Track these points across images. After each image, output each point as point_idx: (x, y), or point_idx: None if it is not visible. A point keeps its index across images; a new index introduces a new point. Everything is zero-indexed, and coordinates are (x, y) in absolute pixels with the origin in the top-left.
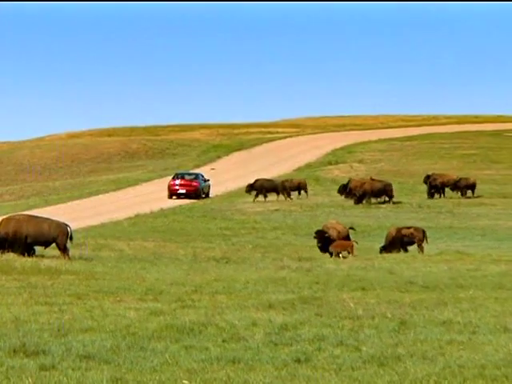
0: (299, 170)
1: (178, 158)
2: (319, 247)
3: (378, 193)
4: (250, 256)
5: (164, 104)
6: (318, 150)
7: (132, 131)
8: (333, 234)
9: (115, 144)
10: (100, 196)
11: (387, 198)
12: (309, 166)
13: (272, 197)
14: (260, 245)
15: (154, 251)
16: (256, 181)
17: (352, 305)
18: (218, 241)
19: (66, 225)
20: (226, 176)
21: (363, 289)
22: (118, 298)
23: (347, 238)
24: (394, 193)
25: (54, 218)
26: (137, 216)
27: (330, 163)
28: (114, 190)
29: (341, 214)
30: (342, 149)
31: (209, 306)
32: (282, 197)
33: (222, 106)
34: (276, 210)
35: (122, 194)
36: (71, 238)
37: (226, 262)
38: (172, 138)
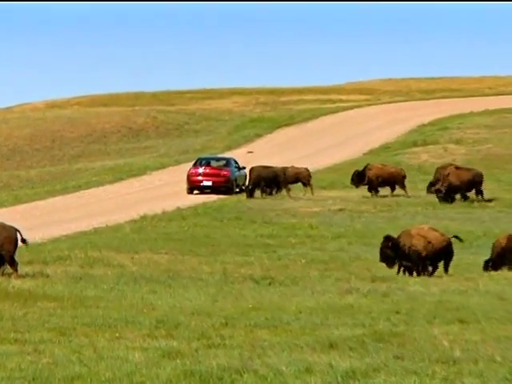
0: (372, 153)
1: (201, 137)
2: (381, 258)
3: (467, 186)
4: (303, 275)
5: (181, 61)
6: (398, 126)
7: (137, 99)
8: (417, 244)
9: (113, 117)
10: (92, 190)
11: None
12: (386, 147)
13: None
14: (317, 259)
15: (168, 268)
16: (251, 170)
17: (446, 343)
18: (258, 253)
19: (15, 229)
20: (268, 162)
21: (462, 321)
22: (118, 334)
23: (446, 250)
24: (503, 186)
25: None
26: (143, 218)
27: (415, 144)
28: (112, 182)
29: (431, 216)
30: (432, 124)
31: (245, 344)
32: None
33: (263, 63)
34: (340, 209)
35: (124, 188)
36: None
37: (270, 284)
38: (193, 108)
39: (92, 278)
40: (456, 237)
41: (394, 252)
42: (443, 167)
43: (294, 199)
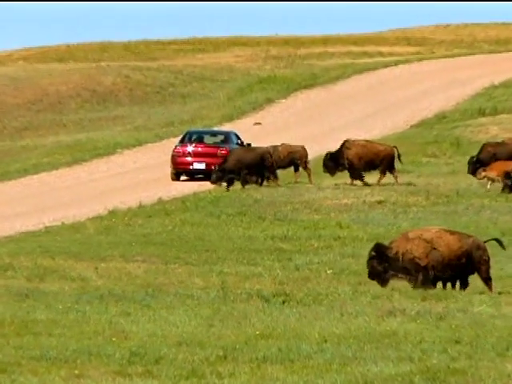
0: (423, 125)
1: (191, 104)
2: (369, 273)
3: None
4: (330, 291)
5: (164, 3)
6: (458, 89)
7: (104, 51)
8: (415, 250)
9: (71, 77)
10: (43, 175)
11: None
12: (441, 117)
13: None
14: (349, 269)
15: (147, 281)
16: (230, 154)
17: None
18: (269, 262)
19: None
20: (282, 137)
21: None
22: (77, 371)
23: (466, 260)
24: None
25: None
26: (113, 214)
27: (481, 113)
28: (70, 165)
29: (503, 210)
30: (505, 85)
31: None
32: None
33: (274, 4)
34: (379, 202)
35: (86, 172)
36: None
37: (284, 303)
38: (180, 64)
39: (43, 294)
40: (498, 241)
41: (384, 264)
42: (491, 144)
43: (318, 188)
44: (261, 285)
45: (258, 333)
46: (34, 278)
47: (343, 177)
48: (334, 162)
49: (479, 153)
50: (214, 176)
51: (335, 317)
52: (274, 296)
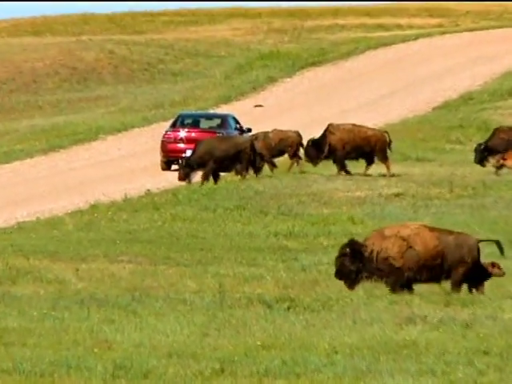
0: (447, 106)
1: (183, 83)
2: (337, 271)
3: None
4: (341, 295)
5: None
6: (486, 66)
7: (85, 24)
8: (390, 248)
9: (48, 52)
10: (15, 164)
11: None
12: (467, 98)
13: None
14: None
15: (133, 285)
16: (198, 145)
17: None
18: (272, 262)
19: None
20: (286, 121)
21: None
22: None
23: (438, 260)
24: None
25: None
26: (94, 208)
27: None
28: (46, 152)
29: None
30: None
31: None
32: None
33: None
34: (397, 194)
35: (64, 161)
36: None
37: (289, 309)
38: (171, 38)
39: (15, 299)
40: (497, 243)
41: (357, 263)
42: (504, 130)
43: (327, 178)
44: (262, 288)
45: (259, 343)
46: (5, 281)
47: (357, 166)
48: (316, 149)
49: (489, 139)
50: (181, 172)
51: (347, 325)
52: (278, 301)
